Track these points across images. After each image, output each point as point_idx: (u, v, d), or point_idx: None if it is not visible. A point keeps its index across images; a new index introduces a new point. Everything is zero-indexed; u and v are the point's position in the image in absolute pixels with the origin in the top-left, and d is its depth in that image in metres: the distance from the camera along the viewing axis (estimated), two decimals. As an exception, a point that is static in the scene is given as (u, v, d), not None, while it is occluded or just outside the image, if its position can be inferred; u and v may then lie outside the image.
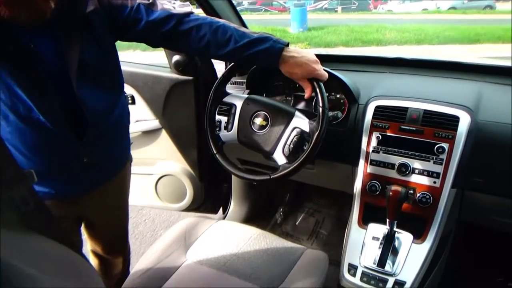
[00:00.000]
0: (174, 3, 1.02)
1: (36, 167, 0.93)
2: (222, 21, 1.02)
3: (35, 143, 0.91)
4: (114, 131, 1.06)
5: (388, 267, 1.05)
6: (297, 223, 1.96)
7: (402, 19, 11.58)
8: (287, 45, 0.99)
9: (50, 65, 0.84)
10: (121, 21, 0.95)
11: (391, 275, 1.05)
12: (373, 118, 1.17)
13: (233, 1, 1.46)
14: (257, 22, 10.60)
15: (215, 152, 1.17)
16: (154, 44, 1.06)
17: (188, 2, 1.11)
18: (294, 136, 1.07)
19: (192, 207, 1.83)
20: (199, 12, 1.18)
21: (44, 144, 0.92)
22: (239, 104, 1.17)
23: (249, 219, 1.97)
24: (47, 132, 0.88)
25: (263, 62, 1.03)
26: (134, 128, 1.65)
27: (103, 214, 1.19)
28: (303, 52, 1.00)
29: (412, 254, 1.07)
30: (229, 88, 1.45)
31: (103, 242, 1.29)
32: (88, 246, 1.31)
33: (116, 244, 1.34)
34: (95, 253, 1.33)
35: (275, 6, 15.40)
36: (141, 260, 1.11)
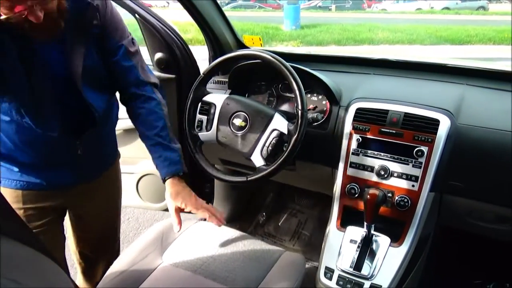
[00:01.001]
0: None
1: (30, 159, 0.99)
2: (166, 118, 1.07)
3: (32, 140, 0.95)
4: (106, 125, 1.12)
5: (364, 271, 1.05)
6: (279, 224, 1.95)
7: (395, 19, 11.64)
8: (183, 173, 1.05)
9: (57, 72, 0.91)
10: (104, 47, 1.00)
11: (367, 278, 1.04)
12: (353, 120, 1.16)
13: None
14: (250, 19, 10.53)
15: (193, 152, 1.15)
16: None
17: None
18: (273, 138, 1.06)
19: (174, 207, 1.80)
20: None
21: (40, 141, 0.96)
22: (219, 103, 1.15)
23: (232, 219, 1.96)
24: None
25: (159, 164, 1.05)
26: (116, 126, 1.62)
27: (93, 209, 1.20)
28: (186, 189, 1.07)
29: (389, 258, 1.07)
30: (211, 87, 1.43)
31: (90, 239, 1.27)
32: (73, 247, 1.29)
33: (103, 243, 1.32)
34: (81, 253, 1.31)
35: (270, 3, 15.35)
36: (116, 262, 1.09)
